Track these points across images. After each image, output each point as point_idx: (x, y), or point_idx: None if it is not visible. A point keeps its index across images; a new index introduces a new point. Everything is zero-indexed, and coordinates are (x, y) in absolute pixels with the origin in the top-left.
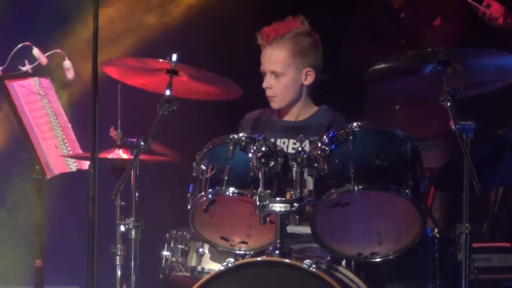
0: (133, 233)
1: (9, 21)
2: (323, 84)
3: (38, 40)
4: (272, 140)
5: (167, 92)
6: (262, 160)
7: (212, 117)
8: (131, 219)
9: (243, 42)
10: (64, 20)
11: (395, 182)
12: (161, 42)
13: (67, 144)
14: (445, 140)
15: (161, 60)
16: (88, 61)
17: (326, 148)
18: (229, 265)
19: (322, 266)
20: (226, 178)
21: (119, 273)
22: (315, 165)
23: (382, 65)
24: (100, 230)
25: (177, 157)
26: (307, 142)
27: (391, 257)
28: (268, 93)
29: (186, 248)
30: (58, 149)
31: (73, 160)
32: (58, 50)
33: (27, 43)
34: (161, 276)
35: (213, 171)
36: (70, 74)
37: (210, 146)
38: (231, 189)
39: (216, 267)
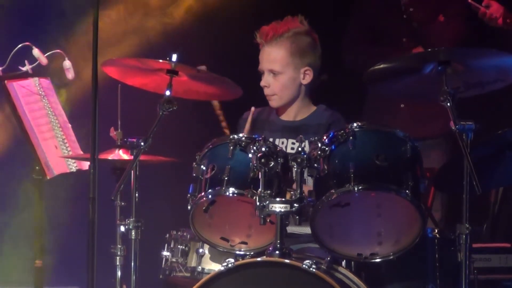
0: (133, 233)
1: (9, 21)
2: (323, 84)
3: (38, 41)
4: (271, 139)
5: (167, 93)
6: (262, 160)
7: (212, 118)
8: (131, 219)
9: (243, 42)
10: (64, 21)
11: (395, 182)
12: (162, 42)
13: (67, 145)
14: (450, 139)
15: (161, 60)
16: (88, 61)
17: (326, 149)
18: (229, 265)
19: (322, 266)
20: (226, 178)
21: (119, 273)
22: (315, 165)
23: (382, 65)
24: (100, 231)
25: None
26: (306, 142)
27: (391, 257)
28: (266, 91)
29: (186, 248)
30: (58, 150)
31: (73, 161)
32: (58, 50)
33: (27, 43)
34: (161, 276)
35: (213, 172)
36: (70, 74)
37: (210, 146)
38: (231, 190)
39: (216, 267)
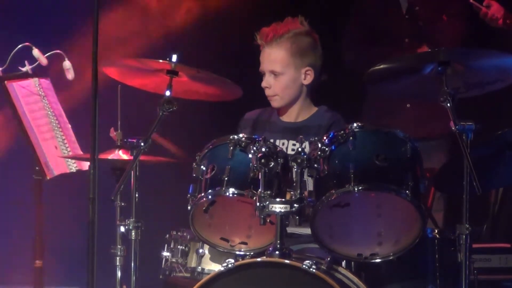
0: (133, 233)
1: (9, 21)
2: (323, 84)
3: (38, 41)
4: (272, 140)
5: (167, 93)
6: (262, 160)
7: (212, 118)
8: (131, 219)
9: (243, 42)
10: (64, 21)
11: (395, 182)
12: (163, 44)
13: (67, 145)
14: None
15: (161, 61)
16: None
17: (326, 149)
18: (229, 265)
19: (322, 266)
20: (226, 178)
21: (119, 273)
22: (315, 165)
23: (382, 66)
24: (100, 231)
25: (178, 151)
26: (307, 143)
27: (391, 257)
28: (267, 92)
29: (186, 249)
30: (58, 150)
31: (73, 161)
32: (58, 51)
33: (27, 43)
34: (161, 276)
35: (213, 172)
36: (70, 75)
37: (210, 146)
38: (231, 190)
39: (216, 267)
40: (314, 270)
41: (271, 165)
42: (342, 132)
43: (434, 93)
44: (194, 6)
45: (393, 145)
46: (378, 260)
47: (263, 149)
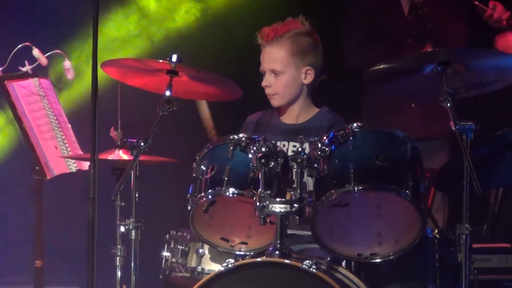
0: (133, 233)
1: (9, 21)
2: (323, 84)
3: (38, 41)
4: (272, 142)
5: (167, 93)
6: (262, 160)
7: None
8: (131, 219)
9: (243, 42)
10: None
11: (395, 182)
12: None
13: (67, 145)
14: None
15: (161, 60)
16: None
17: (326, 149)
18: (229, 265)
19: (322, 266)
20: (226, 178)
21: (119, 273)
22: (315, 165)
23: (382, 66)
24: (100, 231)
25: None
26: (307, 144)
27: (391, 257)
28: (268, 91)
29: (186, 248)
30: (58, 150)
31: (73, 161)
32: (58, 51)
33: (27, 43)
34: (161, 276)
35: (213, 172)
36: (70, 75)
37: (210, 146)
38: (231, 190)
39: (216, 267)
40: (314, 270)
41: (271, 165)
42: (342, 132)
43: (434, 93)
44: (194, 6)
45: (393, 145)
46: (378, 260)
47: (263, 149)
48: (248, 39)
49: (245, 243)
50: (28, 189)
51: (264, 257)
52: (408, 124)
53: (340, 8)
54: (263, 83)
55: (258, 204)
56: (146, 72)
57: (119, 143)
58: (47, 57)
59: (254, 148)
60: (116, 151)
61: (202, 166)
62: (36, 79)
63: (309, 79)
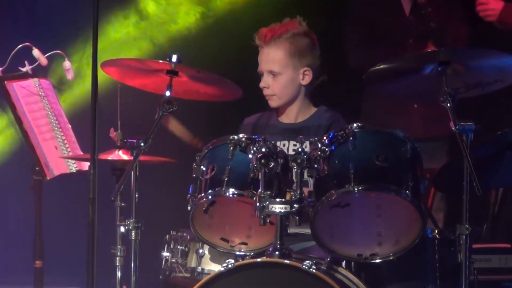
0: (133, 234)
1: (9, 22)
2: (323, 84)
3: (38, 41)
4: (272, 142)
5: (167, 93)
6: (262, 161)
7: (212, 118)
8: (131, 220)
9: (243, 42)
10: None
11: (395, 183)
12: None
13: (67, 145)
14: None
15: (161, 61)
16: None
17: (326, 149)
18: (229, 266)
19: (322, 267)
20: (226, 179)
21: (119, 274)
22: (315, 166)
23: (382, 66)
24: (100, 231)
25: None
26: (307, 143)
27: (391, 258)
28: (266, 92)
29: (186, 249)
30: (58, 150)
31: (73, 161)
32: (58, 51)
33: (27, 43)
34: (161, 277)
35: (213, 172)
36: (70, 75)
37: (210, 147)
38: (231, 190)
39: (216, 268)
40: (314, 271)
41: (271, 165)
42: (342, 132)
43: (434, 93)
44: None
45: (393, 145)
46: (378, 261)
47: (263, 149)
48: (248, 39)
49: (245, 244)
50: (28, 190)
51: (264, 257)
52: (408, 125)
53: (340, 8)
54: (261, 84)
55: (258, 204)
56: (146, 73)
57: (119, 144)
58: (47, 58)
59: (254, 148)
60: (116, 152)
61: (202, 167)
62: (36, 79)
63: (307, 79)
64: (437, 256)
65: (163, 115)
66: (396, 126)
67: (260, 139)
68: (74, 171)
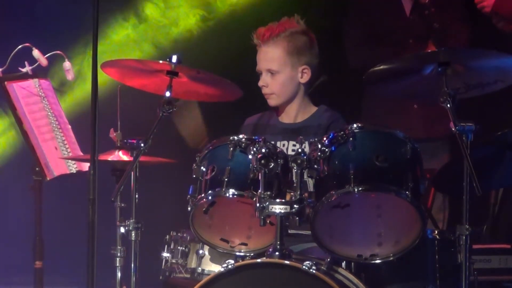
0: (133, 234)
1: (9, 22)
2: (323, 84)
3: (38, 42)
4: (272, 142)
5: (167, 94)
6: (262, 161)
7: (212, 119)
8: (131, 220)
9: (243, 42)
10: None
11: (395, 183)
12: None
13: (67, 146)
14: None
15: (161, 61)
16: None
17: (326, 150)
18: (229, 266)
19: (322, 267)
20: (226, 179)
21: (119, 274)
22: (315, 166)
23: (382, 66)
24: (100, 232)
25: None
26: (307, 143)
27: (391, 258)
28: (264, 91)
29: (186, 249)
30: (58, 151)
31: (73, 162)
32: (58, 52)
33: (27, 44)
34: (161, 277)
35: (213, 173)
36: (70, 76)
37: (210, 147)
38: (231, 191)
39: (216, 268)
40: (314, 271)
41: (271, 166)
42: (342, 132)
43: (435, 94)
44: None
45: (393, 146)
46: (378, 261)
47: (263, 150)
48: (248, 39)
49: (245, 244)
50: (28, 190)
51: (264, 258)
52: (408, 125)
53: (340, 8)
54: (260, 83)
55: (258, 205)
56: (146, 73)
57: (119, 144)
58: (47, 58)
59: (254, 149)
60: (116, 152)
61: (202, 167)
62: (36, 80)
63: (305, 78)
64: (437, 257)
65: (163, 116)
66: (396, 127)
67: (260, 139)
68: (74, 172)
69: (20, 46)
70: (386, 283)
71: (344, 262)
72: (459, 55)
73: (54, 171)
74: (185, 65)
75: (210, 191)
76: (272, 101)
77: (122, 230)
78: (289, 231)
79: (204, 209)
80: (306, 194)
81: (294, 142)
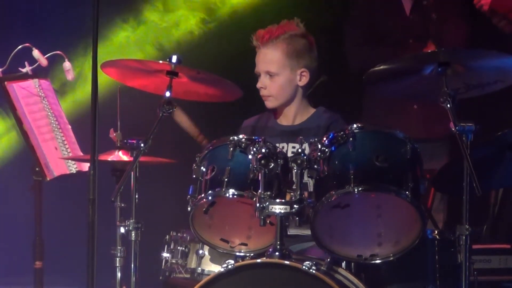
0: (133, 234)
1: (9, 22)
2: (323, 85)
3: (38, 42)
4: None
5: (167, 94)
6: (262, 161)
7: (212, 119)
8: (131, 220)
9: (243, 43)
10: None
11: (395, 183)
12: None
13: (67, 146)
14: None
15: (161, 61)
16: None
17: (326, 150)
18: (229, 267)
19: (322, 267)
20: (226, 179)
21: (119, 274)
22: (315, 166)
23: (382, 67)
24: (100, 232)
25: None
26: (307, 144)
27: (391, 258)
28: (262, 92)
29: (186, 249)
30: (58, 151)
31: (73, 162)
32: (58, 52)
33: (27, 44)
34: (161, 277)
35: (213, 173)
36: (70, 76)
37: (210, 147)
38: (231, 191)
39: (216, 268)
40: (314, 271)
41: (271, 166)
42: (342, 133)
43: (434, 94)
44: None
45: (393, 146)
46: (378, 261)
47: (263, 150)
48: (248, 40)
49: (245, 244)
50: (28, 190)
51: (264, 258)
52: (408, 125)
53: (340, 8)
54: (258, 85)
55: (258, 205)
56: (146, 73)
57: (119, 144)
58: (47, 58)
59: (254, 149)
60: (116, 152)
61: (202, 167)
62: (36, 80)
63: (304, 81)
64: (437, 257)
65: (163, 116)
66: (396, 127)
67: (260, 139)
68: (74, 172)
69: (20, 46)
70: (386, 283)
71: (344, 262)
72: (459, 55)
73: (54, 171)
74: (184, 65)
75: (210, 191)
76: (270, 103)
77: (122, 230)
78: (288, 232)
79: (204, 209)
80: (306, 194)
81: (294, 144)
